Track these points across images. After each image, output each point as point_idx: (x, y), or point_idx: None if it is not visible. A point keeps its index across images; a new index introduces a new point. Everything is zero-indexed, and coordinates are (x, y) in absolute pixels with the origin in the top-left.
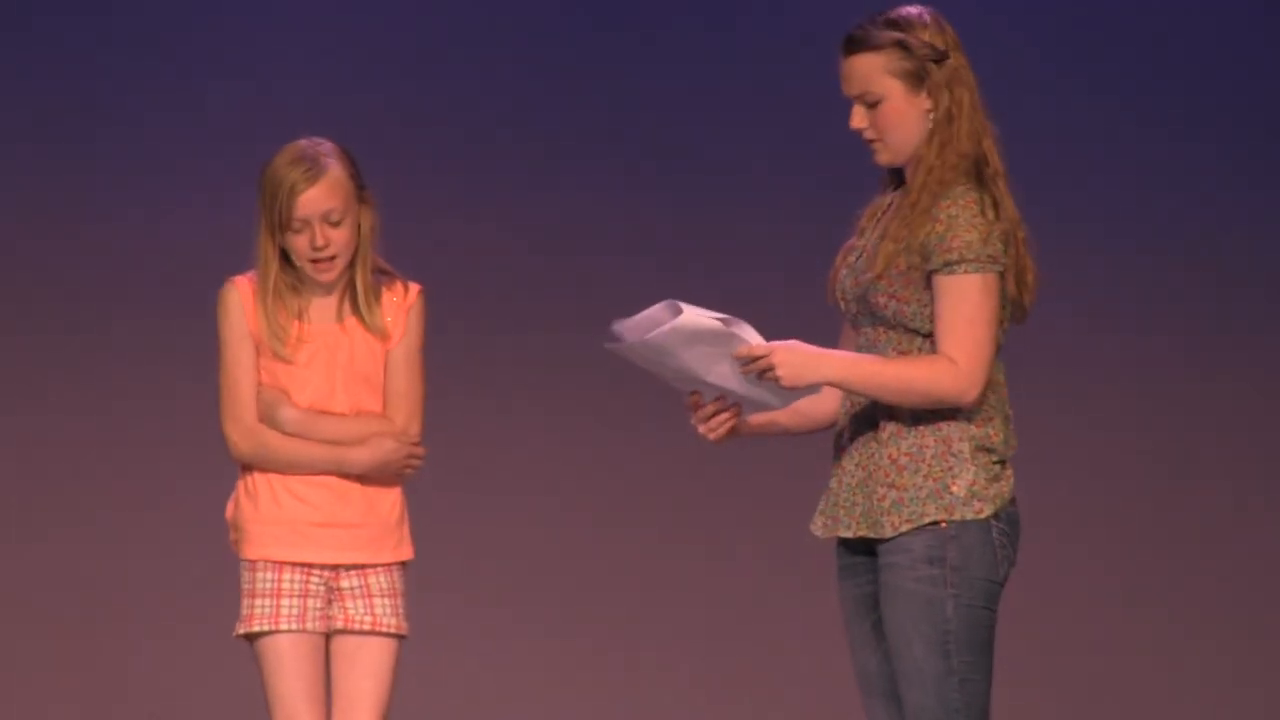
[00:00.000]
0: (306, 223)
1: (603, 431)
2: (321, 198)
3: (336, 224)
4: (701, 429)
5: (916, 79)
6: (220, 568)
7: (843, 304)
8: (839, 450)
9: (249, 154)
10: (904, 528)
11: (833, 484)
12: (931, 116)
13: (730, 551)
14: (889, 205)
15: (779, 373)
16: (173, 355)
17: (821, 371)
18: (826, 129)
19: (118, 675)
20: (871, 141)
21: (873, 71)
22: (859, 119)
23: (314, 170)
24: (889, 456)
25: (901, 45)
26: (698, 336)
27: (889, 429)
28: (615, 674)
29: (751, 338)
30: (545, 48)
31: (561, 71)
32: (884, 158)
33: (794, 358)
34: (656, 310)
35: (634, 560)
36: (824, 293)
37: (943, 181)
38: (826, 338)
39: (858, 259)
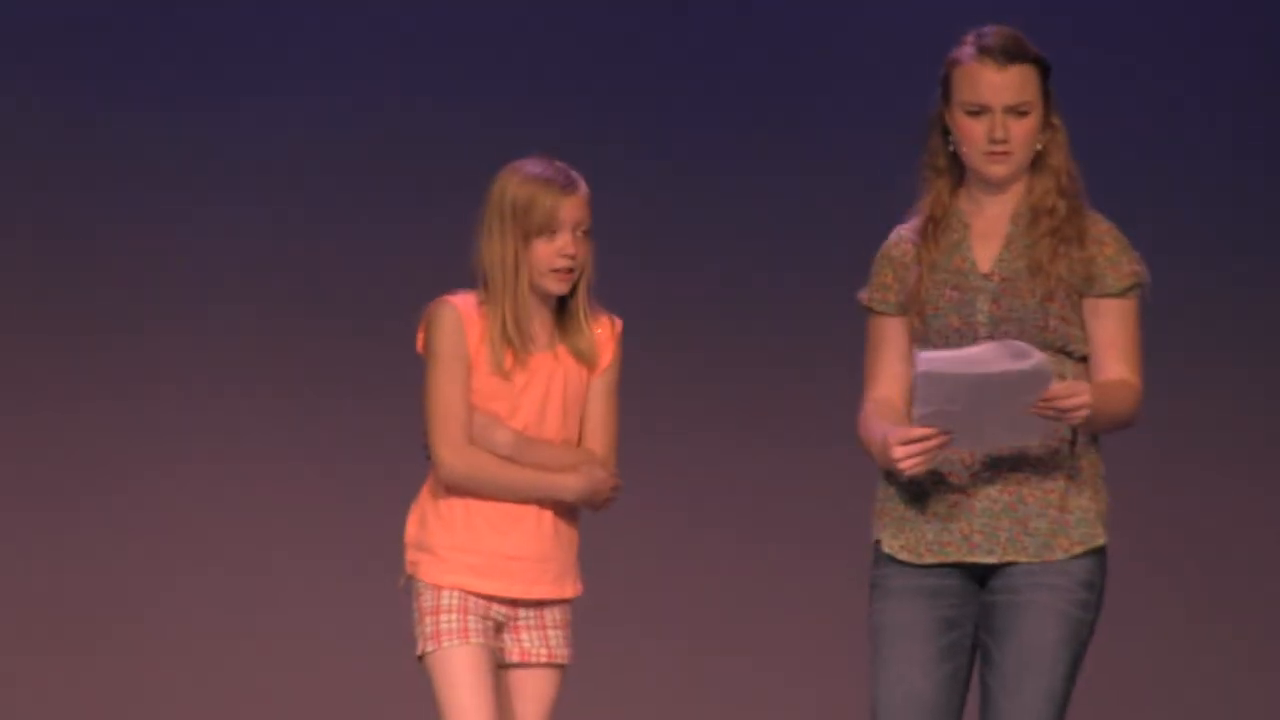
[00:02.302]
0: (560, 229)
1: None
2: (579, 206)
3: (584, 237)
4: (908, 465)
5: (1049, 98)
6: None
7: (954, 324)
8: (959, 475)
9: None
10: (1075, 550)
11: (939, 508)
12: (1043, 137)
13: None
14: (964, 230)
15: (1087, 412)
16: (208, 360)
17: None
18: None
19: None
20: (1005, 154)
21: (1031, 83)
22: (1002, 128)
23: (573, 181)
24: (1060, 477)
25: (1045, 63)
26: (1027, 381)
27: (1050, 451)
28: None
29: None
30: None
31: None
32: (1004, 170)
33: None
34: (987, 350)
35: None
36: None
37: (1082, 205)
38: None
39: (986, 279)
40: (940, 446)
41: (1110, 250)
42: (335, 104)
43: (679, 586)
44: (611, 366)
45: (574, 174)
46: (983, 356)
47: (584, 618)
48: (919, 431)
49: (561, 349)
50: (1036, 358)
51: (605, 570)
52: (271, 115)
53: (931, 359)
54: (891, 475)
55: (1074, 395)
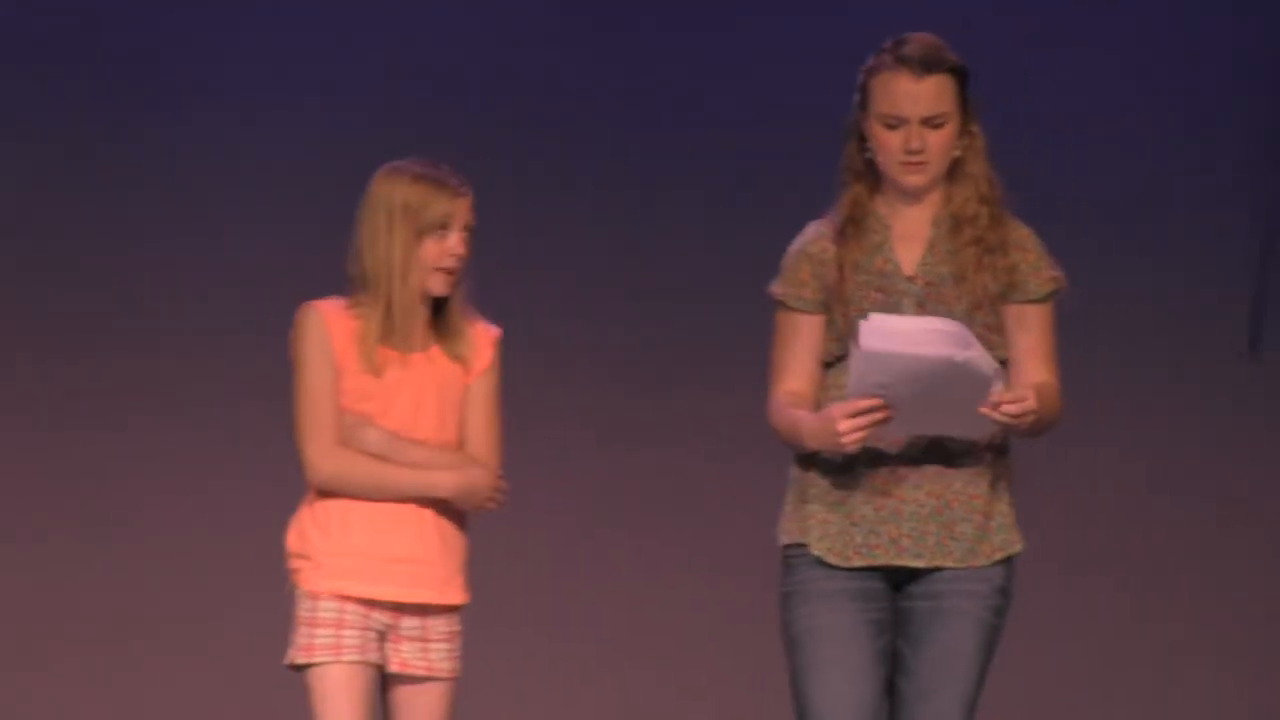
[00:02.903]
0: (452, 229)
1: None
2: (470, 208)
3: (469, 239)
4: (852, 438)
5: (967, 105)
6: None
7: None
8: (885, 479)
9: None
10: (997, 556)
11: (866, 511)
12: (961, 143)
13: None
14: (885, 232)
15: (1034, 418)
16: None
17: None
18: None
19: (139, 698)
20: (922, 164)
21: (948, 93)
22: (918, 139)
23: (465, 183)
24: (984, 484)
25: (964, 72)
26: (965, 372)
27: (973, 458)
28: (613, 683)
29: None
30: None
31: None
32: (920, 180)
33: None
34: (934, 331)
35: (628, 569)
36: None
37: (1002, 211)
38: None
39: (910, 282)
40: (884, 420)
41: (1032, 257)
42: (326, 107)
43: (573, 593)
44: (490, 372)
45: (462, 176)
46: (927, 337)
47: (478, 625)
48: (865, 403)
49: (435, 350)
50: (977, 351)
51: (499, 577)
52: (266, 119)
53: (875, 330)
54: (812, 478)
55: (1022, 401)
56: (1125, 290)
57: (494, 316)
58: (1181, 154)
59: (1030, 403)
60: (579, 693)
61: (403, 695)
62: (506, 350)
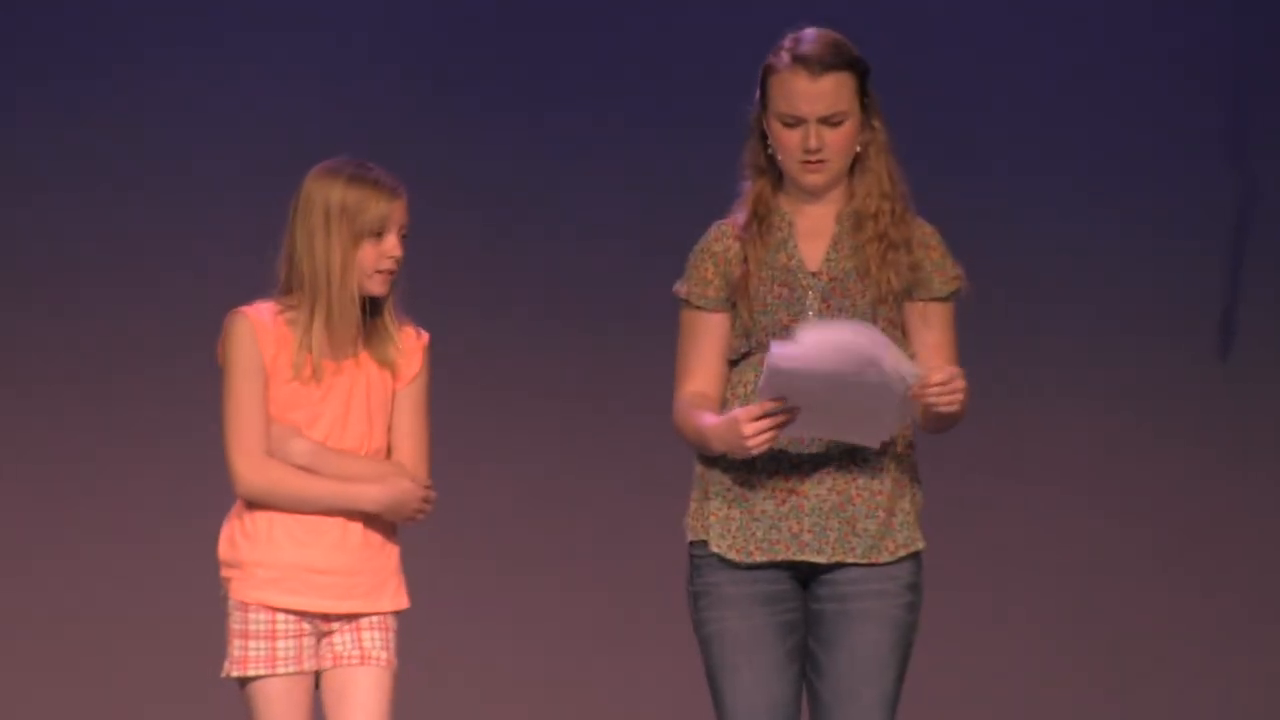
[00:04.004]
0: (388, 231)
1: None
2: (405, 209)
3: (403, 241)
4: (757, 441)
5: (868, 101)
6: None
7: (784, 321)
8: (788, 474)
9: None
10: (900, 553)
11: (767, 506)
12: (863, 138)
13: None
14: (789, 228)
15: (962, 396)
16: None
17: None
18: None
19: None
20: (821, 163)
21: (846, 90)
22: (816, 138)
23: (399, 184)
24: (887, 480)
25: (862, 67)
26: (880, 387)
27: (877, 454)
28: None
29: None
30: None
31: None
32: (820, 179)
33: None
34: (849, 344)
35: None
36: None
37: (906, 207)
38: None
39: (814, 277)
40: (789, 422)
41: (936, 255)
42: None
43: (509, 594)
44: (419, 378)
45: (395, 177)
46: (837, 358)
47: (420, 628)
48: (769, 405)
49: (364, 355)
50: (892, 361)
51: (437, 581)
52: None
53: (782, 355)
54: (714, 474)
55: (953, 381)
56: (1096, 292)
57: (440, 309)
58: (1151, 156)
59: (960, 381)
60: (543, 684)
61: (337, 683)
62: (481, 341)
